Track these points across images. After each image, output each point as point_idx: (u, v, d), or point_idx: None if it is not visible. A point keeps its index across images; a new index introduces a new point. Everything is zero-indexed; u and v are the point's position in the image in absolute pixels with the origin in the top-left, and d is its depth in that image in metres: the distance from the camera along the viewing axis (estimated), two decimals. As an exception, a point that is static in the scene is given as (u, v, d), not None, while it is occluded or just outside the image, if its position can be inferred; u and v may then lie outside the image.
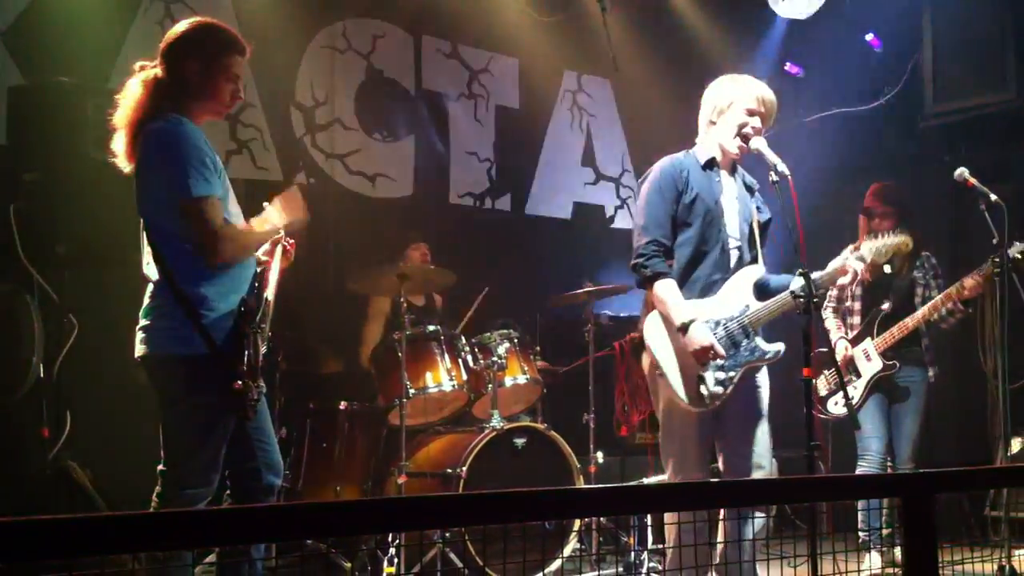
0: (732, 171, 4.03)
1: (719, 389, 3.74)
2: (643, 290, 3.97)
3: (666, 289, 3.79)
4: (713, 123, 3.95)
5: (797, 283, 3.68)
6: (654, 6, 7.76)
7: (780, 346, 3.83)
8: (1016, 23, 6.60)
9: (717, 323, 3.78)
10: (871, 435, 5.30)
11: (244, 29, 5.03)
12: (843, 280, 3.92)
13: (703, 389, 3.73)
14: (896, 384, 5.34)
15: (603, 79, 8.01)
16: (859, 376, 5.34)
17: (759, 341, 3.82)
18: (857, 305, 5.44)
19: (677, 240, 3.88)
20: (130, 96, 3.37)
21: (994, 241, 4.90)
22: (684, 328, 3.71)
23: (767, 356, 3.82)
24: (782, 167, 3.70)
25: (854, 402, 5.29)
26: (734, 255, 3.89)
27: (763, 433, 3.87)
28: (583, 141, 7.97)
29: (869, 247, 3.99)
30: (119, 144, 3.37)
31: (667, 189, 3.87)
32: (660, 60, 7.76)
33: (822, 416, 5.44)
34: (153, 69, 3.40)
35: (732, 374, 3.76)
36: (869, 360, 5.32)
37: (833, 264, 3.91)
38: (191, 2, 5.99)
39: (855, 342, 5.40)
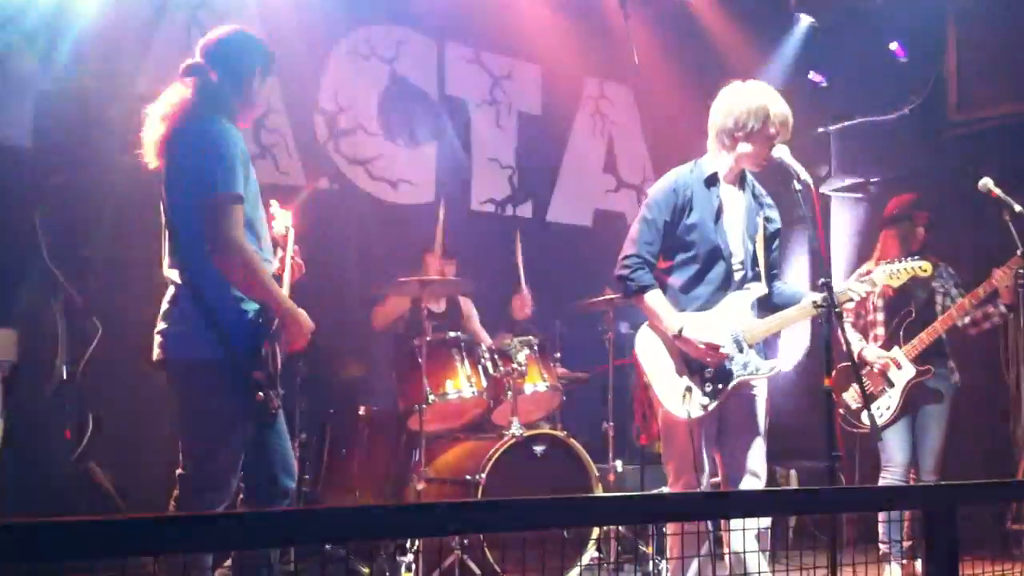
0: (741, 181, 3.95)
1: (705, 400, 3.73)
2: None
3: (655, 299, 3.78)
4: (727, 144, 3.85)
5: (811, 296, 3.67)
6: (676, 12, 7.75)
7: (775, 362, 3.79)
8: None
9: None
10: (896, 447, 5.24)
11: (269, 35, 5.06)
12: (848, 306, 3.89)
13: (687, 401, 3.71)
14: (924, 392, 5.24)
15: (625, 86, 8.01)
16: (892, 385, 5.22)
17: (753, 356, 3.78)
18: (880, 316, 5.38)
19: (678, 259, 3.86)
20: (176, 93, 3.38)
21: (1019, 252, 4.87)
22: (679, 334, 3.70)
23: (760, 371, 3.78)
24: (805, 176, 3.67)
25: (891, 411, 5.20)
26: (737, 274, 3.85)
27: (760, 444, 3.86)
28: (604, 148, 7.97)
29: (884, 270, 3.95)
30: (152, 135, 3.34)
31: (664, 209, 3.84)
32: (682, 66, 7.74)
33: (856, 430, 5.34)
34: (204, 71, 3.41)
35: (720, 386, 3.74)
36: (900, 368, 5.23)
37: (842, 287, 3.84)
38: (218, 8, 6.02)
39: None
